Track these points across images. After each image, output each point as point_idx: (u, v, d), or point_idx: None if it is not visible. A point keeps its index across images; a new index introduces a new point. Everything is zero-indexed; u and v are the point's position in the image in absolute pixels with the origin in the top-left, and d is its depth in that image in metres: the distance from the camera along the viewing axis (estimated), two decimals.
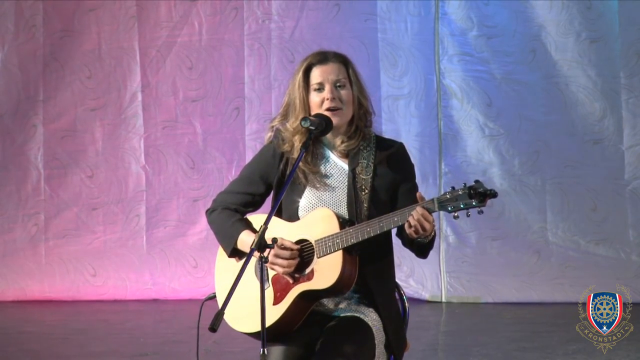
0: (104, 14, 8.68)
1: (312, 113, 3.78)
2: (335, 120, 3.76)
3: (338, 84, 3.78)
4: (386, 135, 3.95)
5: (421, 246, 3.74)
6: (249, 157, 8.52)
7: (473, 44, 8.37)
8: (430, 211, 3.58)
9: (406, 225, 3.60)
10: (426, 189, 8.14)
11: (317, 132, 3.71)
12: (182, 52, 8.68)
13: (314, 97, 3.77)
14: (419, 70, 8.44)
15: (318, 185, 3.82)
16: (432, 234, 3.67)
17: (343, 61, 3.80)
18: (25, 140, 8.72)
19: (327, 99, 3.75)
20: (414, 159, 3.96)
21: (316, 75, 3.77)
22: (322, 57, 3.79)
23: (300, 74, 3.77)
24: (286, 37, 8.55)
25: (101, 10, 8.68)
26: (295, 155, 3.80)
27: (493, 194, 3.52)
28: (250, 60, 8.62)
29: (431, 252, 3.82)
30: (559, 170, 8.32)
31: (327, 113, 3.75)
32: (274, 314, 3.73)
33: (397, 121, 8.43)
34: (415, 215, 3.57)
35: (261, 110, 8.62)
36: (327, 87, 3.76)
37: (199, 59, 8.66)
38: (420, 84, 8.44)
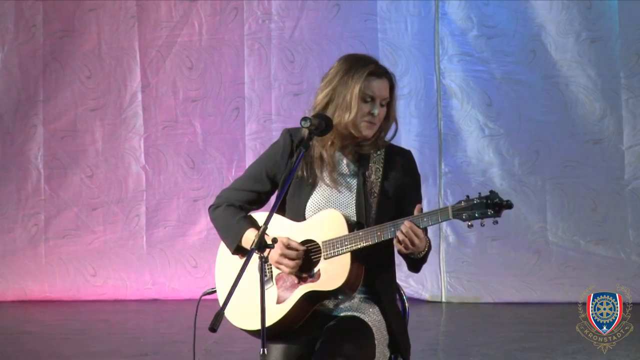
0: (104, 14, 8.67)
1: (356, 117, 3.77)
2: (368, 133, 3.80)
3: (382, 102, 3.81)
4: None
5: (415, 261, 3.76)
6: (249, 157, 8.53)
7: (473, 44, 8.37)
8: (443, 220, 3.60)
9: (395, 241, 3.62)
10: (426, 189, 8.14)
11: (317, 132, 3.70)
12: (182, 52, 8.68)
13: (363, 106, 3.77)
14: (419, 70, 8.44)
15: (327, 187, 3.82)
16: (425, 250, 3.69)
17: (390, 80, 3.84)
18: (25, 140, 8.72)
19: (372, 114, 3.78)
20: None
21: (372, 87, 3.77)
22: (379, 70, 3.79)
23: (362, 83, 3.75)
24: (286, 37, 8.55)
25: (101, 10, 8.67)
26: (324, 151, 3.81)
27: (509, 205, 3.54)
28: (250, 60, 8.62)
29: (431, 252, 3.81)
30: (559, 170, 8.31)
31: (364, 124, 3.77)
32: (277, 313, 3.73)
33: (397, 121, 8.41)
34: (403, 228, 3.60)
35: (261, 111, 8.61)
36: (376, 103, 3.79)
37: (199, 59, 8.66)
38: (420, 84, 8.44)
